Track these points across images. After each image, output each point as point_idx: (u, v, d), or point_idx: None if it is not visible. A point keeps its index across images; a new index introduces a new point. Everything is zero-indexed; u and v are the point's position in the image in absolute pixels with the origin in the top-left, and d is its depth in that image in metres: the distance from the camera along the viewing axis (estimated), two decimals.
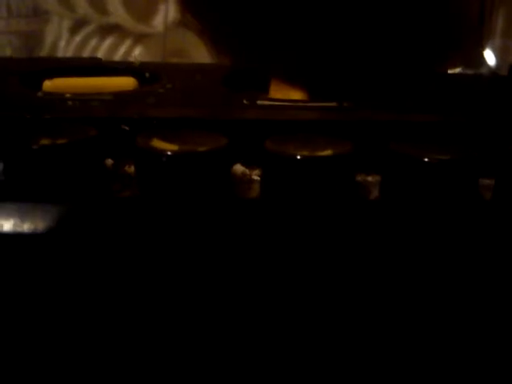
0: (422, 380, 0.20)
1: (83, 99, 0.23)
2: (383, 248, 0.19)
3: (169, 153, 0.18)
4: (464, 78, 0.28)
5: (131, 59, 0.42)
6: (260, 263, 0.19)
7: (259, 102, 0.23)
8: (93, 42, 0.52)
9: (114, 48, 0.51)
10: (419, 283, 0.19)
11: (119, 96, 0.23)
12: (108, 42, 0.52)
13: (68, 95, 0.23)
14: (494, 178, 0.20)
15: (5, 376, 0.20)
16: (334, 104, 0.23)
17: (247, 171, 0.21)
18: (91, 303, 0.19)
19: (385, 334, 0.20)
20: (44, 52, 0.53)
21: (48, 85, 0.25)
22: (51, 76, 0.26)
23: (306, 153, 0.19)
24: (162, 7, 0.50)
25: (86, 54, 0.52)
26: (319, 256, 0.19)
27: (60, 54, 0.53)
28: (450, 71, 0.36)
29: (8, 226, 0.18)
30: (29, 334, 0.19)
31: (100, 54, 0.51)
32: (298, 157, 0.19)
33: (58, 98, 0.23)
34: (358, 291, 0.19)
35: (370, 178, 0.21)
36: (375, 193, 0.20)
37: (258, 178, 0.21)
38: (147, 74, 0.27)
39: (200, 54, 0.49)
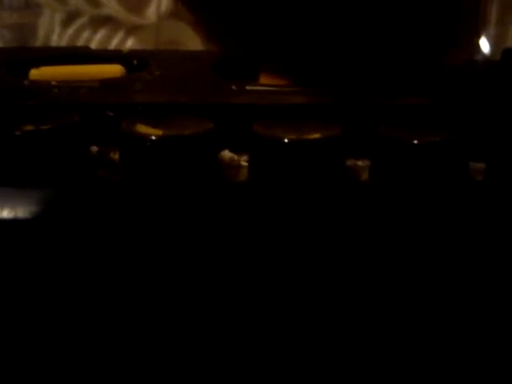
0: (421, 379, 0.20)
1: (69, 86, 0.22)
2: (373, 231, 0.19)
3: (153, 137, 0.18)
4: (456, 64, 0.28)
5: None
6: (249, 247, 0.18)
7: (248, 88, 0.23)
8: (85, 35, 0.52)
9: (106, 40, 0.51)
10: (410, 267, 0.19)
11: (106, 83, 0.23)
12: (100, 33, 0.51)
13: (54, 83, 0.23)
14: (485, 161, 0.20)
15: None
16: (323, 89, 0.23)
17: (235, 157, 0.21)
18: (76, 290, 0.19)
19: (376, 318, 0.20)
20: (36, 45, 0.53)
21: (34, 73, 0.25)
22: (38, 65, 0.25)
23: (294, 136, 0.19)
24: None
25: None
26: (309, 239, 0.18)
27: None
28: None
29: None
30: (10, 326, 0.19)
31: (92, 46, 0.50)
32: (286, 140, 0.18)
33: (43, 85, 0.23)
34: (348, 274, 0.19)
35: (359, 163, 0.20)
36: (365, 177, 0.20)
37: (246, 164, 0.20)
38: (135, 62, 0.27)
39: (193, 45, 0.49)
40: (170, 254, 0.18)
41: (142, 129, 0.18)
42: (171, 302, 0.19)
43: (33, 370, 0.20)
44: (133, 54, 0.28)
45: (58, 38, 0.53)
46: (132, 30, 0.51)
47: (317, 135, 0.19)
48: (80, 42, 0.52)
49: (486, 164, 0.20)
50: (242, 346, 0.20)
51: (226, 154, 0.21)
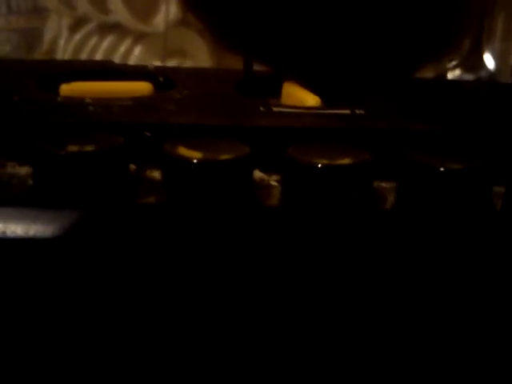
0: (421, 380, 0.21)
1: (104, 104, 0.23)
2: (398, 256, 0.19)
3: (195, 161, 0.19)
4: (472, 86, 0.29)
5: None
6: (279, 268, 0.19)
7: (275, 109, 0.24)
8: (92, 41, 0.52)
9: (113, 47, 0.51)
10: (432, 290, 0.20)
11: (139, 101, 0.24)
12: (108, 40, 0.52)
13: (88, 100, 0.23)
14: (505, 185, 0.21)
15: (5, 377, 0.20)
16: (347, 111, 0.24)
17: (265, 177, 0.22)
18: (114, 309, 0.19)
19: (395, 337, 0.20)
20: (43, 50, 0.53)
21: (65, 89, 0.25)
22: (67, 80, 0.26)
23: (326, 161, 0.19)
24: (162, 6, 0.50)
25: (85, 52, 0.52)
26: (336, 261, 0.19)
27: (59, 52, 0.53)
28: (449, 75, 0.36)
29: (33, 230, 0.18)
30: (45, 334, 0.19)
31: (100, 53, 0.51)
32: (319, 165, 0.19)
33: (78, 102, 0.23)
34: (373, 298, 0.20)
35: (385, 185, 0.21)
36: (391, 200, 0.21)
37: (276, 184, 0.21)
38: (161, 79, 0.27)
39: (201, 53, 0.50)
40: (205, 271, 0.19)
41: (184, 151, 0.19)
42: (204, 318, 0.20)
43: (43, 371, 0.20)
44: (158, 70, 0.28)
45: (65, 44, 0.53)
46: (139, 37, 0.51)
47: (348, 160, 0.20)
48: (87, 49, 0.52)
49: (505, 188, 0.21)
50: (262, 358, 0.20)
51: (257, 173, 0.22)
